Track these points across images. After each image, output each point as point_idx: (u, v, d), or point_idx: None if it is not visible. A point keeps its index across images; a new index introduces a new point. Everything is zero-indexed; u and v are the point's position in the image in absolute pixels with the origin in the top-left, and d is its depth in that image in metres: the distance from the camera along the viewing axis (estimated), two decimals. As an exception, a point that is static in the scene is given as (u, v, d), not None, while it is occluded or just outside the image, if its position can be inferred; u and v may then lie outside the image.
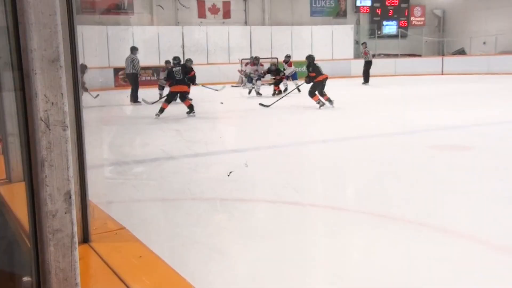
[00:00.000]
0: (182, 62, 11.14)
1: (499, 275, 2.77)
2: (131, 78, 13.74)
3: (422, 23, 28.17)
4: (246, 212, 4.20)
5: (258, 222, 3.94)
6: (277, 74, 16.00)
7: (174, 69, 10.68)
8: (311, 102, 11.32)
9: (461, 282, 2.72)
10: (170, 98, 10.61)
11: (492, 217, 3.73)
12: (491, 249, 3.16)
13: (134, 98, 13.52)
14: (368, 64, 18.86)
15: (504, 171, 5.20)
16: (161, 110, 10.18)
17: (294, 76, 16.46)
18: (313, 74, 11.18)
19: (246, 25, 23.64)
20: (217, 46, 22.17)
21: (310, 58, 11.57)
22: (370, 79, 18.56)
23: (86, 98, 12.22)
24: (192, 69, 11.86)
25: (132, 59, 13.62)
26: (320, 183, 5.03)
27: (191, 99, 10.88)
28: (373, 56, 20.62)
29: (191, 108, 10.44)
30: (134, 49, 13.98)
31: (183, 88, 10.63)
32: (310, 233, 3.63)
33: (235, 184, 4.90)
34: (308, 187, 4.90)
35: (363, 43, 20.57)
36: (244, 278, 2.89)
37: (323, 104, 11.17)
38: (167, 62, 14.22)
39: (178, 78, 10.53)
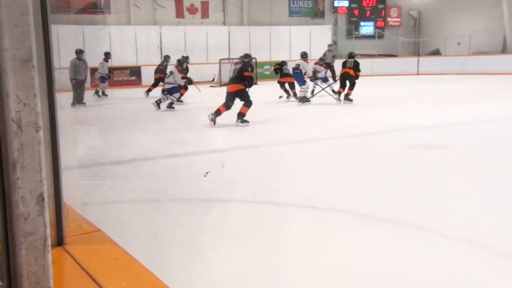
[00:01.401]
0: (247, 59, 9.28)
1: (478, 272, 2.81)
2: (82, 83, 12.95)
3: (398, 23, 28.48)
4: (225, 212, 4.18)
5: (237, 222, 3.93)
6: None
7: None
8: (290, 103, 11.34)
9: (439, 280, 2.75)
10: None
11: (470, 215, 3.78)
12: (469, 247, 3.20)
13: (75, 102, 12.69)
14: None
15: (480, 170, 5.28)
16: (217, 112, 8.87)
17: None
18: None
19: (224, 25, 23.60)
20: (195, 46, 22.08)
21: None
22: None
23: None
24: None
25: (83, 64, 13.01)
26: (298, 183, 5.04)
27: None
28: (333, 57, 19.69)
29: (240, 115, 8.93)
30: (80, 52, 13.13)
31: (234, 87, 9.08)
32: (289, 233, 3.64)
33: (214, 184, 4.88)
34: (286, 187, 4.90)
35: (329, 44, 20.44)
36: (223, 278, 2.88)
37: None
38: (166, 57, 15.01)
39: (231, 76, 9.30)
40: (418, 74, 23.29)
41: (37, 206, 1.49)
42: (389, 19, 28.18)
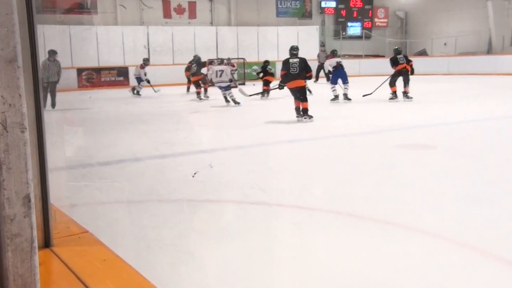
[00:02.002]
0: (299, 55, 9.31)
1: (462, 271, 2.83)
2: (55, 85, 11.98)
3: (385, 24, 28.64)
4: (214, 212, 4.17)
5: (226, 222, 3.92)
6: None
7: (290, 60, 9.23)
8: (278, 103, 11.36)
9: (426, 279, 2.77)
10: (295, 96, 9.29)
11: (456, 215, 3.81)
12: (455, 246, 3.22)
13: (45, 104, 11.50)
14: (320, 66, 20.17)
15: (466, 170, 5.32)
16: (297, 110, 9.10)
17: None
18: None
19: (212, 25, 23.56)
20: (182, 46, 22.03)
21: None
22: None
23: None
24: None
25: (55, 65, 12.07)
26: (287, 183, 5.05)
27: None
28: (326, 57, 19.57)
29: (300, 111, 9.16)
30: (53, 53, 12.15)
31: (300, 83, 9.15)
32: (278, 233, 3.64)
33: (203, 185, 4.87)
34: (275, 187, 4.90)
35: (322, 45, 21.63)
36: (212, 279, 2.87)
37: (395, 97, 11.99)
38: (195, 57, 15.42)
39: (294, 72, 9.12)
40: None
41: (23, 207, 1.47)
42: (376, 19, 28.32)
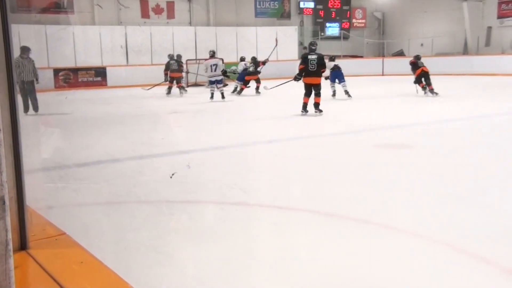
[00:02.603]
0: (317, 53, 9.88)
1: (438, 268, 2.87)
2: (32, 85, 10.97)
3: (363, 25, 28.91)
4: (193, 213, 4.16)
5: (205, 223, 3.91)
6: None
7: (309, 57, 9.71)
8: (257, 102, 11.37)
9: (404, 276, 2.80)
10: (306, 92, 9.85)
11: (432, 213, 3.86)
12: (431, 244, 3.27)
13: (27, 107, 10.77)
14: None
15: (442, 169, 5.39)
16: (305, 105, 9.82)
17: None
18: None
19: (190, 25, 23.49)
20: (161, 47, 21.92)
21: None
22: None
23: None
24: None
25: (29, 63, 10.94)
26: (267, 183, 5.05)
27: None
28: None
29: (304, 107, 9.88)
30: (26, 50, 11.16)
31: (317, 80, 9.72)
32: (258, 233, 3.64)
33: (182, 186, 4.85)
34: (255, 187, 4.91)
35: (305, 47, 22.28)
36: (191, 280, 2.86)
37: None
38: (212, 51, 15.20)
39: (312, 69, 9.65)
40: (383, 74, 23.65)
41: (-2, 209, 1.45)
42: (354, 20, 28.57)
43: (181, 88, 15.72)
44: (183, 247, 3.33)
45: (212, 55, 14.56)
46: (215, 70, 13.41)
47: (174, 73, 15.76)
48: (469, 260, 3.02)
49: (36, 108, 10.78)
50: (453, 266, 2.90)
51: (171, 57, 16.30)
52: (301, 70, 9.83)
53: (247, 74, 15.86)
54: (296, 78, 10.01)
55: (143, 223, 3.83)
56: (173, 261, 3.11)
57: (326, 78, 12.98)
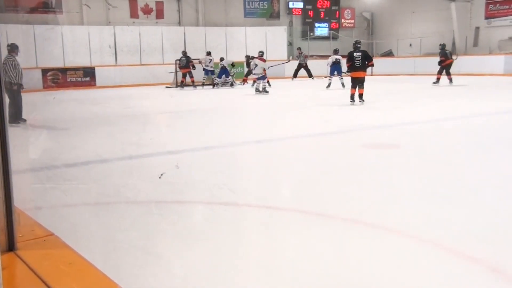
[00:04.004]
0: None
1: (426, 267, 2.89)
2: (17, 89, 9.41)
3: (352, 25, 29.01)
4: (182, 214, 4.16)
5: (194, 223, 3.91)
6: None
7: (355, 54, 11.05)
8: (247, 103, 11.38)
9: (392, 276, 2.82)
10: (353, 84, 11.33)
11: (421, 213, 3.89)
12: (420, 243, 3.29)
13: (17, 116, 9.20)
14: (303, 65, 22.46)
15: (430, 168, 5.43)
16: (352, 96, 11.26)
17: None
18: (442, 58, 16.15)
19: (180, 25, 23.43)
20: (150, 47, 21.85)
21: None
22: (302, 79, 19.93)
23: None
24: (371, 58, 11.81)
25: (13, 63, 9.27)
26: (255, 183, 5.06)
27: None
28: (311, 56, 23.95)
29: (358, 96, 11.31)
30: (16, 47, 9.67)
31: (363, 74, 11.10)
32: (247, 233, 3.65)
33: (171, 186, 4.84)
34: (244, 187, 4.91)
35: (298, 48, 23.63)
36: (180, 280, 2.86)
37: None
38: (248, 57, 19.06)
39: (358, 65, 11.01)
40: (372, 74, 23.73)
41: (-15, 210, 1.44)
42: (343, 20, 28.66)
43: (192, 83, 18.37)
44: (172, 247, 3.33)
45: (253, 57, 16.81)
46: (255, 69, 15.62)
47: (183, 68, 18.19)
48: (457, 259, 3.05)
49: (20, 117, 9.22)
50: (442, 265, 2.93)
51: (184, 53, 18.70)
52: (349, 67, 11.31)
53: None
54: (346, 73, 11.97)
55: (132, 223, 3.82)
56: (162, 261, 3.11)
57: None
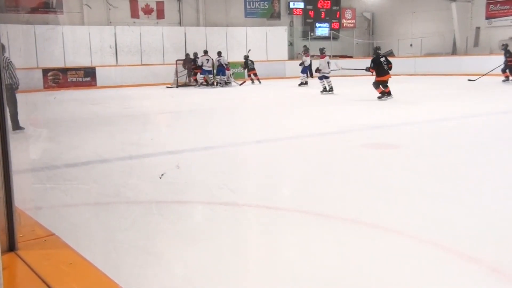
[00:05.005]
0: None
1: (427, 268, 2.90)
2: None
3: (353, 25, 29.00)
4: (182, 214, 4.16)
5: (194, 223, 3.91)
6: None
7: (381, 59, 12.43)
8: (247, 103, 11.38)
9: (392, 276, 2.82)
10: (383, 85, 12.43)
11: (420, 213, 3.89)
12: (420, 243, 3.29)
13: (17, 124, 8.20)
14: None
15: (429, 168, 5.43)
16: (383, 93, 12.32)
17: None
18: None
19: (180, 25, 23.44)
20: (151, 47, 21.86)
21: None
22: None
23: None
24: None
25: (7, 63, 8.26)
26: (255, 183, 5.06)
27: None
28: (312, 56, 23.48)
29: (382, 94, 12.35)
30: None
31: (389, 76, 12.44)
32: (247, 233, 3.65)
33: (171, 186, 4.84)
34: (244, 187, 4.92)
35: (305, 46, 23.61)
36: (180, 280, 2.87)
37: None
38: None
39: (386, 69, 12.34)
40: (373, 75, 23.70)
41: (-14, 210, 1.45)
42: (343, 20, 28.65)
43: (195, 81, 19.84)
44: (172, 247, 3.34)
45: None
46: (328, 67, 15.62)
47: (198, 69, 19.55)
48: (457, 260, 3.05)
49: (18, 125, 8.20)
50: (442, 265, 2.93)
51: (195, 55, 19.90)
52: (377, 70, 12.55)
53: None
54: (367, 68, 12.82)
55: (132, 223, 3.82)
56: (162, 261, 3.12)
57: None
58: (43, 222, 2.74)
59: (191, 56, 20.26)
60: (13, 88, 8.16)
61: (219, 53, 19.64)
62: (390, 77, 12.46)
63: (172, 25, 23.18)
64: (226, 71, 20.16)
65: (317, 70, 15.45)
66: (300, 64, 19.60)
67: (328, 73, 15.23)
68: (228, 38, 23.65)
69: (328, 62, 15.47)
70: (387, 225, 3.61)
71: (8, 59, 8.40)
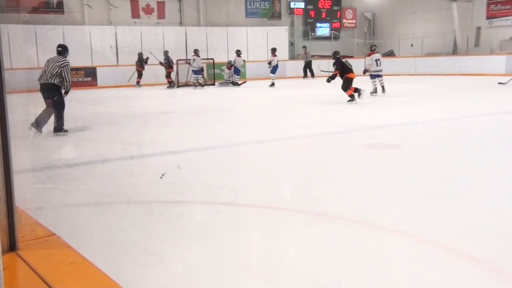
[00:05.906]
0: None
1: (427, 268, 2.90)
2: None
3: (353, 25, 29.00)
4: (183, 214, 4.16)
5: (195, 223, 3.91)
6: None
7: (342, 60, 12.48)
8: (247, 103, 11.38)
9: (392, 276, 2.82)
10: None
11: (421, 213, 3.89)
12: (420, 244, 3.29)
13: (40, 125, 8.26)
14: (308, 63, 23.42)
15: (430, 168, 5.43)
16: (356, 91, 12.06)
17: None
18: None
19: (181, 25, 23.43)
20: (151, 47, 21.85)
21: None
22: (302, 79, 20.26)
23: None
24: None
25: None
26: (256, 183, 5.06)
27: None
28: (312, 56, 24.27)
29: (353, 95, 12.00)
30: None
31: (354, 75, 12.24)
32: (247, 233, 3.65)
33: (172, 186, 4.85)
34: (244, 187, 4.92)
35: (303, 47, 24.37)
36: (180, 280, 2.87)
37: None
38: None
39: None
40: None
41: (-13, 210, 1.45)
42: (344, 20, 28.65)
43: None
44: (173, 247, 3.34)
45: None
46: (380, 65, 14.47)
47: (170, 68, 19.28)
48: (457, 260, 3.05)
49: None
50: (442, 265, 2.93)
51: (165, 53, 19.56)
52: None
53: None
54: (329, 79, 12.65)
55: (133, 223, 3.83)
56: (163, 261, 3.12)
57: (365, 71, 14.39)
58: (44, 222, 2.75)
59: (142, 56, 19.73)
60: (60, 91, 8.39)
61: (237, 52, 19.98)
62: (355, 76, 12.25)
63: (172, 25, 23.18)
64: (227, 70, 20.20)
65: (365, 71, 14.44)
66: (268, 64, 19.45)
67: (380, 71, 14.15)
68: (228, 38, 23.65)
69: (376, 60, 14.14)
70: (387, 225, 3.61)
71: (66, 62, 8.41)
